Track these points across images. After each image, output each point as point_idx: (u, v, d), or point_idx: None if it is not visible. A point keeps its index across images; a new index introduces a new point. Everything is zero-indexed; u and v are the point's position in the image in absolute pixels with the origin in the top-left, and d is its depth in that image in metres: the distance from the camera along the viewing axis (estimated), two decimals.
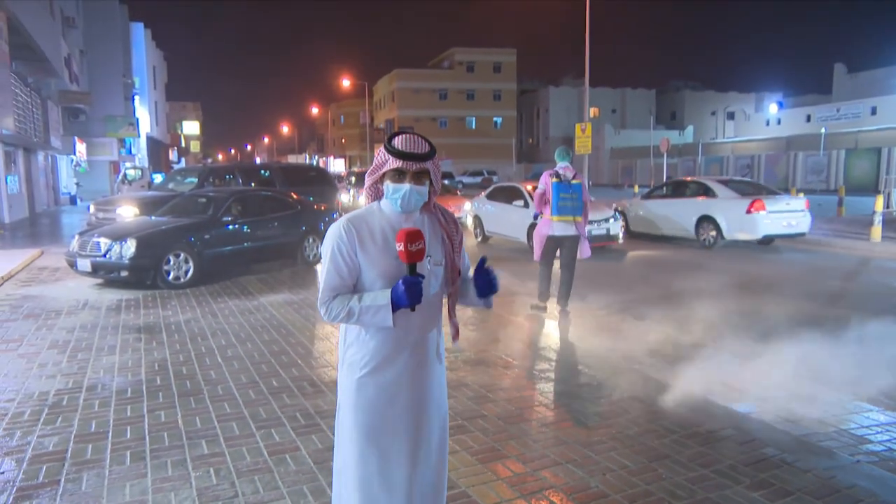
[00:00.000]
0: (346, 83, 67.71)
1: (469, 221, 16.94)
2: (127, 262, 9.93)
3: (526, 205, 14.18)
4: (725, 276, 10.85)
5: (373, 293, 2.47)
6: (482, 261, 2.62)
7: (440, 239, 2.61)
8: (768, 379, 5.67)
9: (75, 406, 5.21)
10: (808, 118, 58.94)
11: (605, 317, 8.11)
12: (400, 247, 2.39)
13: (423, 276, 2.44)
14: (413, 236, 2.39)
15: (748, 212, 14.09)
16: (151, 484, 3.89)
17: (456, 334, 2.77)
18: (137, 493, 3.79)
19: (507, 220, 15.04)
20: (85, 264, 10.15)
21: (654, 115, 64.36)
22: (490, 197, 16.34)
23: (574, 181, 8.02)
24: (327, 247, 2.52)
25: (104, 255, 10.03)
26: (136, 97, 50.55)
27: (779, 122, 64.66)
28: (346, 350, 2.60)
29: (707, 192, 15.21)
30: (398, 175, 2.48)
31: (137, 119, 45.67)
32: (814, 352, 6.26)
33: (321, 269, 2.56)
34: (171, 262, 10.31)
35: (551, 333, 7.41)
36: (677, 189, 16.65)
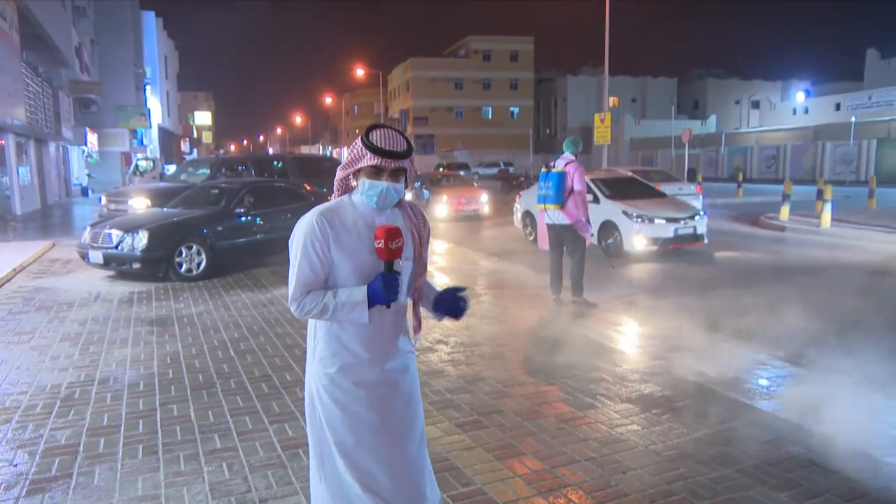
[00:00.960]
0: (360, 72, 67.74)
1: (517, 218, 15.71)
2: (139, 254, 10.00)
3: (595, 199, 12.78)
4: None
5: (348, 289, 2.46)
6: (458, 289, 2.68)
7: (410, 234, 2.60)
8: (791, 374, 5.62)
9: (87, 399, 5.26)
10: (838, 106, 58.29)
11: (625, 309, 8.07)
12: (380, 244, 2.39)
13: (399, 273, 2.46)
14: (393, 233, 2.39)
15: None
16: (164, 478, 3.92)
17: (418, 326, 2.76)
18: (150, 487, 3.82)
19: None
20: (97, 256, 10.23)
21: (675, 105, 63.82)
22: None
23: (554, 170, 8.29)
24: (298, 241, 2.49)
25: (116, 247, 10.11)
26: (148, 87, 50.88)
27: (806, 110, 63.99)
28: (317, 345, 2.60)
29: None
30: (375, 172, 2.47)
31: (149, 109, 46.06)
32: (849, 352, 6.20)
33: (291, 263, 2.52)
34: (184, 254, 10.37)
35: (569, 327, 7.38)
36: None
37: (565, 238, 8.45)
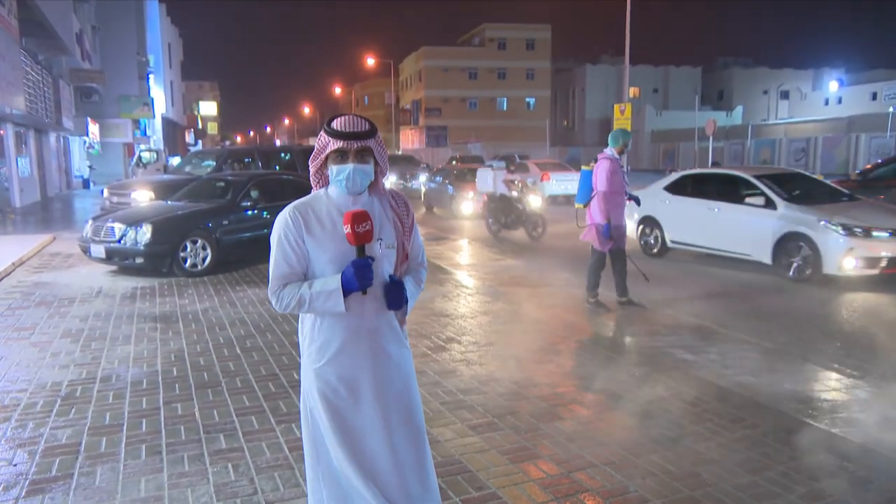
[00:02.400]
0: (370, 62, 67.85)
1: (632, 227, 12.33)
2: (142, 248, 10.06)
3: (770, 203, 10.24)
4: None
5: (323, 279, 2.55)
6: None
7: (392, 222, 2.67)
8: (825, 381, 5.59)
9: (89, 397, 5.29)
10: (874, 96, 57.73)
11: (650, 313, 8.05)
12: (347, 229, 2.45)
13: (372, 259, 2.50)
14: (359, 217, 2.45)
15: None
16: (167, 479, 3.94)
17: (403, 321, 2.80)
18: (153, 488, 3.84)
19: (727, 228, 10.84)
20: (99, 250, 10.30)
21: (699, 95, 63.52)
22: (678, 190, 11.97)
23: (584, 167, 8.25)
24: (273, 236, 2.61)
25: (119, 241, 10.17)
26: (151, 76, 51.08)
27: (839, 100, 63.44)
28: (304, 340, 2.69)
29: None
30: (340, 156, 2.56)
31: (152, 99, 46.20)
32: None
33: (270, 259, 2.63)
34: (188, 249, 10.42)
35: (589, 327, 7.36)
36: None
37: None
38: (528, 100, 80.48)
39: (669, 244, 11.95)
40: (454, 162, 41.01)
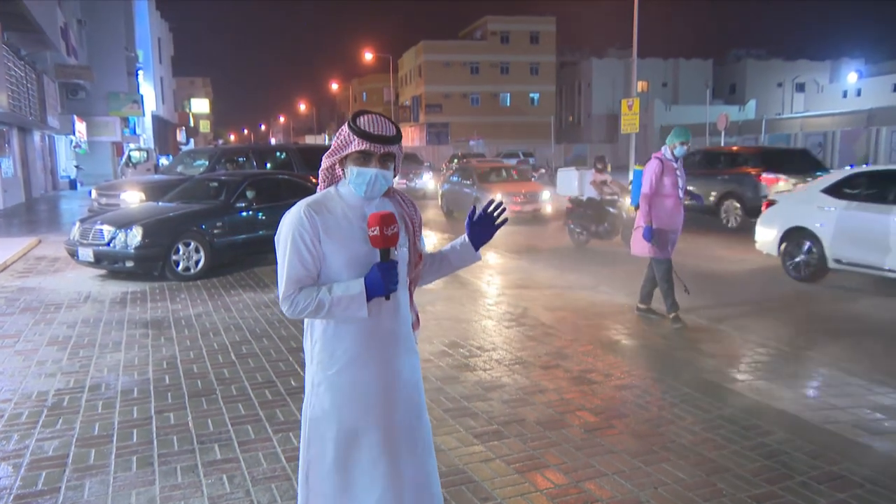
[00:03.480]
0: (368, 56, 67.73)
1: (768, 240, 10.62)
2: (132, 251, 10.06)
3: None
4: None
5: (344, 283, 2.49)
6: (488, 204, 2.77)
7: (402, 222, 2.65)
8: (842, 384, 5.57)
9: (77, 407, 5.29)
10: None
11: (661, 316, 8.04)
12: (374, 231, 2.42)
13: (397, 262, 2.49)
14: (387, 220, 2.42)
15: None
16: (160, 492, 3.94)
17: (416, 322, 2.81)
18: (144, 501, 3.84)
19: None
20: (87, 254, 10.30)
21: (710, 89, 63.47)
22: (846, 192, 9.72)
23: (640, 168, 8.03)
24: (285, 236, 2.52)
25: (108, 244, 10.17)
26: (140, 72, 51.09)
27: (858, 92, 63.29)
28: (314, 346, 2.63)
29: None
30: (363, 158, 2.51)
31: (142, 96, 46.23)
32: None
33: (280, 260, 2.55)
34: (181, 252, 10.42)
35: (598, 331, 7.35)
36: None
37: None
38: (532, 95, 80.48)
39: (831, 264, 9.60)
40: (455, 160, 40.96)
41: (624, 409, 5.12)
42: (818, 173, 15.22)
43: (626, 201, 13.08)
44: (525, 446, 4.48)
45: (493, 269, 11.10)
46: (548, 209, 19.13)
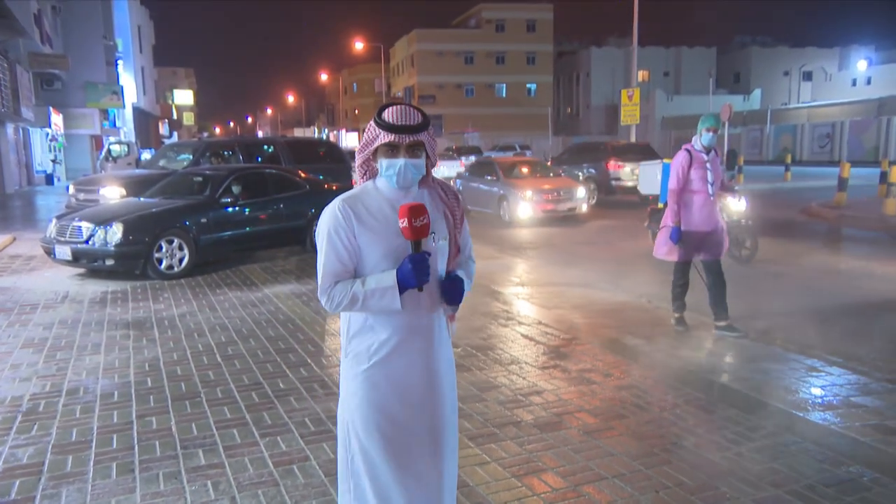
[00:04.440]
0: (359, 46, 67.74)
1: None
2: (113, 248, 10.03)
3: None
4: None
5: (377, 275, 2.59)
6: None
7: (442, 214, 2.74)
8: (854, 385, 5.59)
9: (53, 412, 5.27)
10: None
11: (659, 312, 8.06)
12: (403, 222, 2.50)
13: (429, 253, 2.55)
14: (416, 210, 2.50)
15: None
16: (140, 500, 3.93)
17: (452, 317, 2.88)
18: None
19: None
20: (64, 252, 10.27)
21: (713, 78, 63.66)
22: None
23: (666, 161, 7.72)
24: (323, 230, 2.65)
25: (86, 242, 10.14)
26: (120, 62, 50.93)
27: (868, 81, 63.41)
28: (350, 341, 2.72)
29: None
30: (391, 149, 2.61)
31: (122, 87, 46.02)
32: None
33: (318, 255, 2.68)
34: (164, 249, 10.40)
35: (594, 329, 7.36)
36: None
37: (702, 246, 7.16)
38: (528, 86, 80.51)
39: None
40: (451, 153, 40.86)
41: (624, 411, 5.13)
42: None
43: (730, 201, 10.50)
44: (522, 449, 4.49)
45: (487, 266, 11.08)
46: (584, 208, 17.73)
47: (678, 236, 7.01)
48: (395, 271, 2.55)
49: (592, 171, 21.92)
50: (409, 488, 2.63)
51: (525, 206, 16.84)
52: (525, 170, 18.98)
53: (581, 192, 17.68)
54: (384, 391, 2.64)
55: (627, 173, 20.51)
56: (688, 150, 7.09)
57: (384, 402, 2.64)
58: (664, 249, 7.27)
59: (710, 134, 7.06)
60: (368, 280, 2.58)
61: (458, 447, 4.42)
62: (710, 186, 7.03)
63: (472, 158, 32.89)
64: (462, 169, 27.46)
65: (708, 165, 7.05)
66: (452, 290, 2.69)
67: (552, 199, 17.13)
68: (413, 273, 2.50)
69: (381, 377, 2.64)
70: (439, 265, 2.70)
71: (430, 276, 2.58)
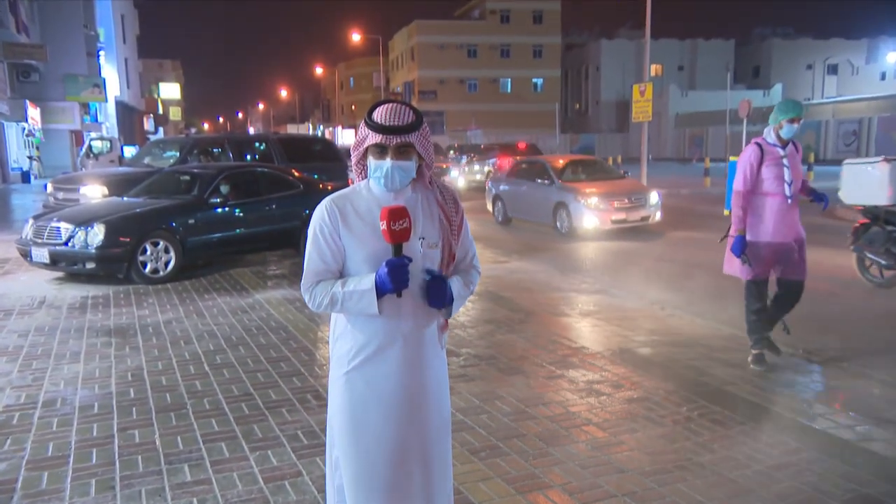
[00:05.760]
0: (356, 38, 67.73)
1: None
2: (94, 251, 10.03)
3: None
4: None
5: (357, 277, 2.70)
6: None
7: (437, 219, 2.79)
8: (883, 399, 5.58)
9: (28, 425, 5.26)
10: None
11: (668, 318, 8.05)
12: (383, 225, 2.56)
13: (409, 259, 2.61)
14: (397, 213, 2.55)
15: None
16: None
17: (444, 324, 2.91)
18: None
19: None
20: (42, 254, 10.26)
21: (731, 72, 63.54)
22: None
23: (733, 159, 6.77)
24: (310, 229, 2.79)
25: (66, 244, 10.14)
26: (102, 53, 50.95)
27: None
28: (335, 343, 2.83)
29: None
30: (379, 151, 2.69)
31: (104, 79, 46.01)
32: None
33: (305, 253, 2.82)
34: (149, 252, 10.40)
35: (607, 338, 7.36)
36: None
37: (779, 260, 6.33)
38: (534, 80, 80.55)
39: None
40: (451, 151, 40.82)
41: (635, 424, 5.12)
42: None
43: None
44: (526, 464, 4.48)
45: (490, 270, 11.08)
46: (657, 216, 15.67)
47: (741, 248, 6.15)
48: (373, 275, 2.63)
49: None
50: (387, 486, 2.70)
51: (590, 215, 14.86)
52: (583, 171, 17.05)
53: (654, 197, 15.68)
54: (364, 398, 2.72)
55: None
56: (758, 144, 6.22)
57: (364, 412, 2.71)
58: (735, 264, 6.34)
59: (794, 126, 6.14)
60: (348, 282, 2.68)
61: (459, 462, 4.44)
62: (787, 188, 6.12)
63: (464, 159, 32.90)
64: (492, 168, 26.99)
65: (785, 162, 6.15)
66: (435, 291, 2.73)
67: (623, 207, 15.07)
68: (389, 277, 2.56)
69: (362, 384, 2.72)
70: (424, 270, 2.74)
71: (413, 282, 2.64)
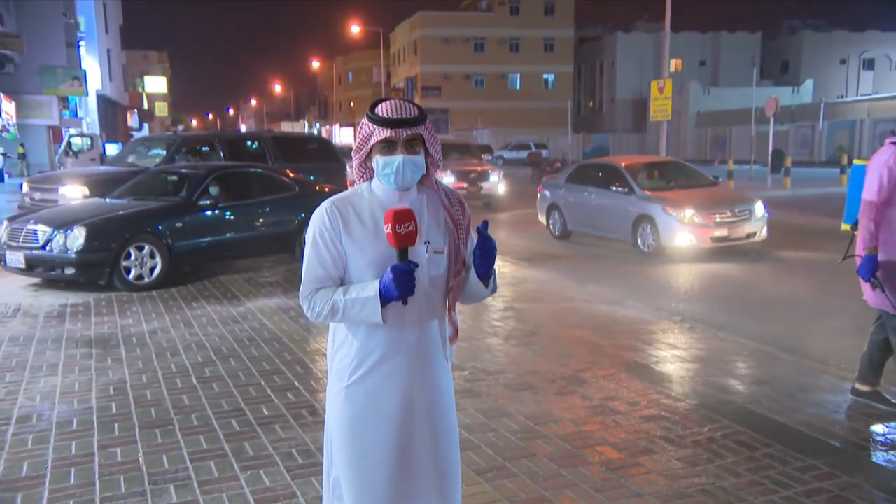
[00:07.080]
0: (355, 30, 67.92)
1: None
2: (73, 255, 10.03)
3: None
4: None
5: (359, 284, 2.70)
6: (484, 224, 2.73)
7: (443, 222, 2.80)
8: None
9: (1, 442, 5.26)
10: None
11: (693, 333, 8.05)
12: (387, 228, 2.56)
13: (416, 264, 2.62)
14: (402, 216, 2.55)
15: None
16: None
17: (454, 335, 2.94)
18: None
19: None
20: (17, 259, 10.28)
21: (758, 68, 63.29)
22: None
23: (857, 161, 6.28)
24: (309, 234, 2.78)
25: (43, 248, 10.15)
26: (83, 43, 50.97)
27: None
28: (335, 355, 2.83)
29: None
30: (388, 146, 2.69)
31: (84, 72, 46.07)
32: None
33: (304, 259, 2.81)
34: (133, 257, 10.40)
35: (622, 352, 7.35)
36: None
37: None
38: (545, 76, 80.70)
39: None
40: (484, 154, 40.39)
41: (652, 445, 5.11)
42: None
43: None
44: (536, 486, 4.48)
45: (498, 281, 11.09)
46: (764, 233, 13.77)
47: (870, 270, 5.42)
48: (377, 282, 2.63)
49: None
50: None
51: (685, 232, 12.97)
52: (665, 176, 15.09)
53: (760, 208, 13.70)
54: (365, 414, 2.72)
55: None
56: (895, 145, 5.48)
57: (365, 428, 2.72)
58: (880, 294, 5.53)
59: None
60: (350, 289, 2.67)
61: (465, 483, 4.44)
62: None
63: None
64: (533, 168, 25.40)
65: None
66: (485, 252, 2.73)
67: (725, 221, 13.21)
68: (395, 284, 2.56)
69: (363, 398, 2.72)
70: (430, 277, 2.76)
71: (418, 289, 2.63)
